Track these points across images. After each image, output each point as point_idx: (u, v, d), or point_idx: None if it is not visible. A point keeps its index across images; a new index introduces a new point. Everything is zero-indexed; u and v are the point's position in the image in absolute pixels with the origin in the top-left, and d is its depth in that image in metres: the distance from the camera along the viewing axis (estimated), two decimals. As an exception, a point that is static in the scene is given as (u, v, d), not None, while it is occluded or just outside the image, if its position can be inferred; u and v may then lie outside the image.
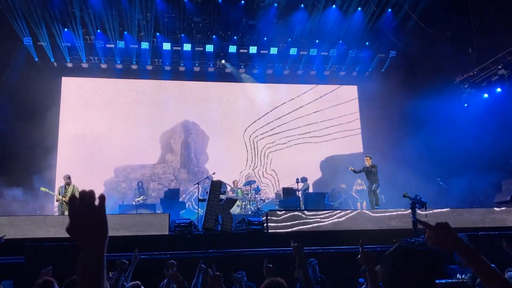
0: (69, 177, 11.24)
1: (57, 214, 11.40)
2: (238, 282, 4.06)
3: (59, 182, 13.56)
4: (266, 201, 14.72)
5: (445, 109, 15.93)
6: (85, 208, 1.17)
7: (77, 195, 1.19)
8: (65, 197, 10.96)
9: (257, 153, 17.11)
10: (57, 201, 11.23)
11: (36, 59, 15.21)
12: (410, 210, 9.36)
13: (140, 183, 14.09)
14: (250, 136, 17.16)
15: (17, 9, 13.71)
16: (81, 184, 11.75)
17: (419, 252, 1.95)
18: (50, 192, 11.75)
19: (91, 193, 1.20)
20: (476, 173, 14.09)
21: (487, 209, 11.05)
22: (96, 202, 1.19)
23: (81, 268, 1.17)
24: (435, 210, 10.65)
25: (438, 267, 8.12)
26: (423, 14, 14.88)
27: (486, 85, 14.98)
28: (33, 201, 13.31)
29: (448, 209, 10.77)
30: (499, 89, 14.72)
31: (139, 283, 4.01)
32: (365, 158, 12.93)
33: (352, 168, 12.75)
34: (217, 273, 3.32)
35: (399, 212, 10.53)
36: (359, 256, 2.67)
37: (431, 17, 14.84)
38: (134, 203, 13.48)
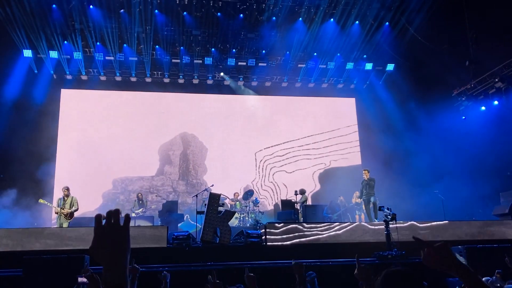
0: (67, 189, 11.21)
1: (55, 226, 11.35)
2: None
3: (57, 194, 13.55)
4: (264, 213, 14.70)
5: (443, 122, 16.03)
6: (110, 227, 1.21)
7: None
8: (63, 209, 10.93)
9: (256, 165, 17.11)
10: (56, 213, 11.14)
11: (36, 71, 15.28)
12: (384, 224, 9.34)
13: (139, 195, 14.07)
14: (249, 148, 17.18)
15: (17, 21, 13.81)
16: (79, 195, 11.74)
17: (411, 276, 1.97)
18: (49, 204, 11.71)
19: (116, 212, 1.23)
20: (474, 185, 14.12)
21: (486, 221, 11.04)
22: (121, 221, 1.23)
23: (105, 286, 1.18)
24: (433, 223, 10.64)
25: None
26: (420, 27, 15.04)
27: (483, 98, 15.08)
28: (31, 213, 13.27)
29: (446, 221, 10.76)
30: (496, 102, 14.82)
31: None
32: (363, 172, 12.99)
33: (358, 196, 12.98)
34: (217, 281, 3.30)
35: (398, 225, 10.50)
36: (355, 271, 2.65)
37: (428, 30, 15.00)
38: (134, 215, 13.45)
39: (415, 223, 10.61)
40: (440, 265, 1.70)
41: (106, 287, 1.17)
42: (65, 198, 11.12)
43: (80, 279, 4.83)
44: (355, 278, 2.65)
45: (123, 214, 1.35)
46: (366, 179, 12.61)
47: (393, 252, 8.80)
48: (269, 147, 17.21)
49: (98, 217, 1.20)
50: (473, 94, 15.39)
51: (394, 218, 9.13)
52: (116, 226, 1.22)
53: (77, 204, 11.19)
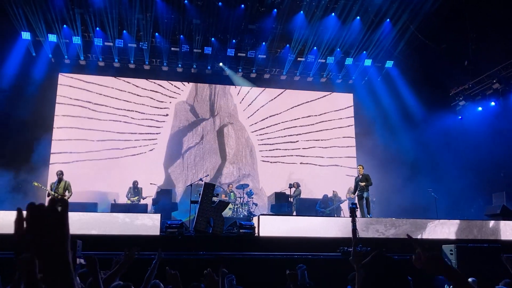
0: (61, 173, 11.24)
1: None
2: (223, 275, 4.05)
3: (52, 178, 13.54)
4: (258, 205, 14.77)
5: (439, 120, 16.10)
6: (44, 212, 1.11)
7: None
8: (56, 192, 10.95)
9: (252, 157, 17.15)
10: (48, 196, 11.17)
11: (34, 54, 15.18)
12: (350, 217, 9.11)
13: (135, 183, 14.06)
14: (246, 139, 17.20)
15: (17, 4, 13.69)
16: (73, 180, 11.75)
17: (400, 261, 1.99)
18: (42, 187, 11.69)
19: (53, 200, 1.14)
20: (467, 185, 14.23)
21: (477, 221, 11.13)
22: (58, 208, 1.13)
23: (45, 278, 1.08)
24: (425, 221, 10.72)
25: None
26: (421, 26, 15.03)
27: (480, 98, 15.16)
28: (24, 195, 13.27)
29: (439, 220, 10.84)
30: (493, 103, 14.89)
31: (131, 284, 4.00)
32: (358, 167, 12.96)
33: (351, 191, 12.90)
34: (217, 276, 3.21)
35: (393, 220, 10.58)
36: (350, 257, 2.64)
37: (429, 29, 15.01)
38: (129, 202, 13.47)
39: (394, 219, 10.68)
40: (430, 269, 1.73)
41: (47, 278, 1.06)
42: (59, 183, 11.14)
43: (78, 260, 4.84)
44: (345, 273, 2.67)
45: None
46: (360, 174, 12.55)
47: (358, 249, 8.80)
48: (265, 139, 17.24)
49: (31, 205, 1.10)
50: (470, 94, 15.47)
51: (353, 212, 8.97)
52: (52, 212, 1.11)
53: (71, 189, 11.23)
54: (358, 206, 12.37)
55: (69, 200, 11.20)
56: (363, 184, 12.17)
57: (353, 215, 8.78)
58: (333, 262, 8.52)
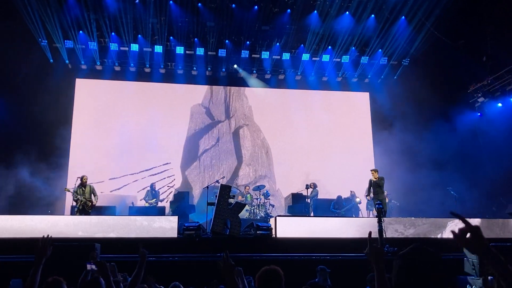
0: (86, 178, 11.44)
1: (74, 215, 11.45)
2: (239, 275, 3.97)
3: (70, 181, 13.73)
4: (275, 206, 14.73)
5: (458, 118, 15.83)
6: None
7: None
8: (84, 197, 11.12)
9: (268, 158, 17.11)
10: (74, 200, 11.35)
11: (51, 61, 15.41)
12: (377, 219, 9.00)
13: (153, 185, 14.16)
14: (262, 140, 17.18)
15: (34, 11, 13.91)
16: (92, 184, 11.89)
17: (437, 255, 1.97)
18: (72, 192, 11.69)
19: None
20: (488, 183, 13.96)
21: (499, 219, 10.90)
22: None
23: None
24: (445, 220, 10.54)
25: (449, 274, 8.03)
26: (437, 22, 14.81)
27: (500, 94, 14.85)
28: (43, 199, 13.52)
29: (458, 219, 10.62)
30: (513, 99, 14.58)
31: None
32: (371, 172, 12.00)
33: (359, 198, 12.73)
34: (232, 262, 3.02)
35: (412, 220, 10.44)
36: (366, 250, 2.47)
37: (445, 25, 14.77)
38: (147, 205, 13.57)
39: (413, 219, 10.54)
40: (474, 246, 1.78)
41: None
42: (84, 187, 11.30)
43: (89, 266, 4.87)
44: (364, 273, 2.59)
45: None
46: (374, 179, 11.73)
47: (385, 249, 8.71)
48: (281, 141, 17.19)
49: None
50: (489, 90, 15.17)
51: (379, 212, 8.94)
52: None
53: (96, 192, 11.50)
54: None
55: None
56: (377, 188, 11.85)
57: (379, 215, 8.73)
58: (351, 262, 8.43)
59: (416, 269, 1.94)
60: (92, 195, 11.31)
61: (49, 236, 3.16)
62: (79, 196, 11.12)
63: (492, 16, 14.17)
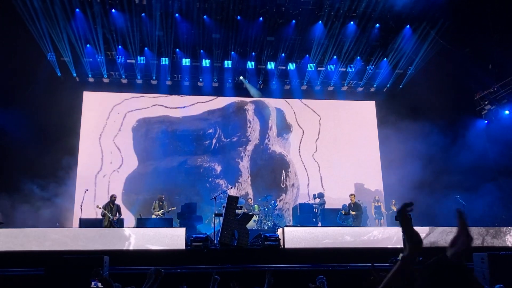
0: (114, 197, 12.43)
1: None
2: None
3: (78, 194, 13.83)
4: (282, 216, 14.68)
5: (465, 126, 15.77)
6: None
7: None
8: (112, 214, 11.95)
9: (274, 169, 17.09)
10: (102, 216, 12.11)
11: (59, 74, 15.59)
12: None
13: (161, 197, 14.19)
14: (269, 150, 17.19)
15: (42, 25, 14.10)
16: (100, 196, 12.04)
17: (463, 267, 1.93)
18: (104, 211, 12.11)
19: None
20: (497, 191, 13.84)
21: (510, 228, 10.79)
22: None
23: None
24: (454, 228, 10.43)
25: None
26: (442, 30, 14.83)
27: (506, 102, 14.80)
28: (50, 212, 13.61)
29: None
30: (520, 106, 14.52)
31: None
32: (350, 197, 13.20)
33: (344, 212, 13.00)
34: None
35: (420, 229, 10.35)
36: (372, 278, 2.53)
37: (451, 33, 14.78)
38: (154, 216, 13.57)
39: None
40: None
41: None
42: (112, 205, 12.14)
43: (93, 283, 4.84)
44: (369, 283, 2.59)
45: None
46: (352, 203, 12.90)
47: (393, 258, 8.62)
48: (286, 150, 17.19)
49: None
50: (496, 98, 15.13)
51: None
52: None
53: (121, 211, 12.53)
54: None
55: (96, 216, 11.69)
56: (353, 213, 12.59)
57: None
58: (360, 273, 8.37)
59: (447, 282, 1.90)
60: (118, 213, 12.19)
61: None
62: (106, 212, 11.94)
63: (498, 24, 14.17)
